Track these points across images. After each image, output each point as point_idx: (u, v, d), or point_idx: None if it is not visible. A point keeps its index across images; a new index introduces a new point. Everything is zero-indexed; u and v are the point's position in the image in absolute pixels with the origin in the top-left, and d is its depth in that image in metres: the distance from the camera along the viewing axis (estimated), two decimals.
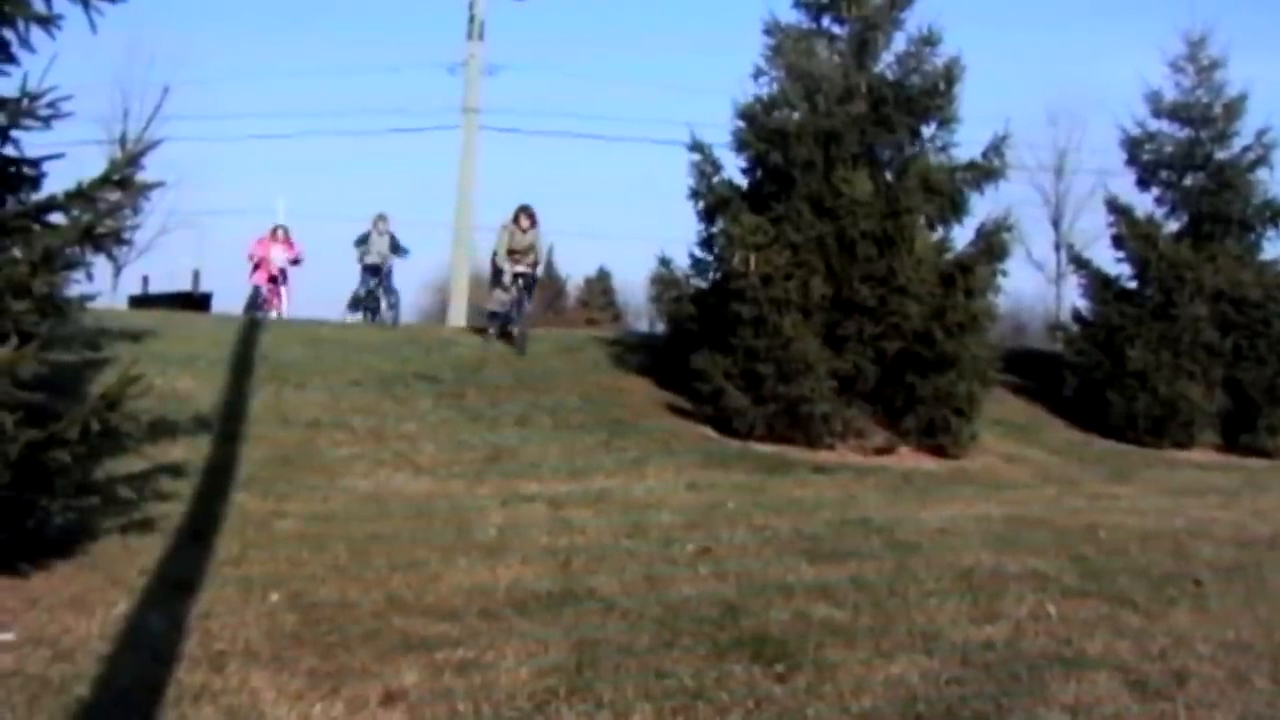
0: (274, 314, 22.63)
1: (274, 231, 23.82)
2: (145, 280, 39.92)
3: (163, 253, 59.59)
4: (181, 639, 5.33)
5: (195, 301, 31.59)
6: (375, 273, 22.48)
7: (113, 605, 5.83)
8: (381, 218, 22.50)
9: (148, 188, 7.42)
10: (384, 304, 22.67)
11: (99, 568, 6.77)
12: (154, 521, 7.92)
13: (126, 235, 7.70)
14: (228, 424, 11.94)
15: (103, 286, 27.26)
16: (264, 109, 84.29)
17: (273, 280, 22.94)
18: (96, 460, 7.92)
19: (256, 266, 23.01)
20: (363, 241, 22.48)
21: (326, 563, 7.29)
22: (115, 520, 7.83)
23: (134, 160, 7.13)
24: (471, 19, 29.34)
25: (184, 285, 37.06)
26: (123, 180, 7.10)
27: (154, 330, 14.69)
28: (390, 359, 16.67)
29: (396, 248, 22.55)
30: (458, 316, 27.67)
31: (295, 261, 23.66)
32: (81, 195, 7.01)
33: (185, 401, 12.13)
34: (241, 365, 15.13)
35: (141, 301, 31.94)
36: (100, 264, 7.42)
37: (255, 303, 22.67)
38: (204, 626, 5.57)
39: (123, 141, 7.22)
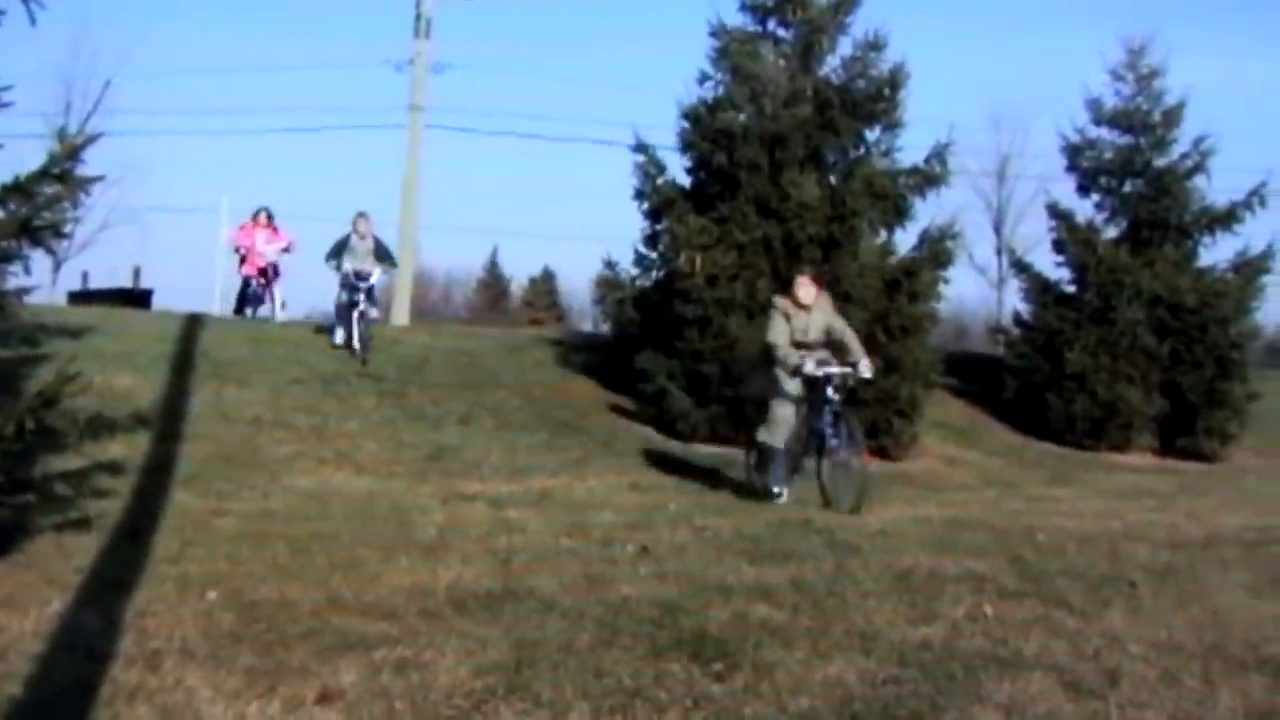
0: (265, 312, 21.28)
1: (255, 216, 21.50)
2: (85, 276, 39.49)
3: (104, 249, 58.92)
4: (117, 637, 5.28)
5: (136, 298, 31.26)
6: (359, 281, 17.25)
7: (47, 604, 5.77)
8: (362, 216, 17.70)
9: (88, 182, 7.34)
10: (356, 326, 17.21)
11: (33, 566, 6.70)
12: (91, 519, 7.83)
13: (66, 229, 7.62)
14: (168, 422, 11.85)
15: (42, 282, 26.78)
16: (208, 105, 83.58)
17: (261, 274, 21.22)
18: (32, 457, 7.83)
19: (243, 259, 21.37)
20: (337, 254, 17.35)
21: (266, 561, 7.24)
22: (51, 518, 7.74)
23: (74, 154, 7.05)
24: (418, 17, 29.21)
25: (125, 282, 36.67)
26: (62, 174, 7.02)
27: (93, 327, 14.54)
28: (332, 358, 16.63)
29: (383, 255, 17.93)
30: (401, 315, 27.55)
31: (285, 250, 21.38)
32: (19, 189, 6.92)
33: (124, 399, 12.02)
34: (182, 363, 15.02)
35: (81, 298, 31.58)
36: (39, 260, 7.34)
37: (246, 297, 21.33)
38: (140, 625, 5.52)
39: (62, 135, 7.14)
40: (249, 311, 21.65)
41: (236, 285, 22.13)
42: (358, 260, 17.25)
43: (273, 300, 21.50)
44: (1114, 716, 4.58)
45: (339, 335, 17.23)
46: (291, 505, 9.67)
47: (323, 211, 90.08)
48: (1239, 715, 4.68)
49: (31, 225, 6.96)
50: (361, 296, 16.92)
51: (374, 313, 17.82)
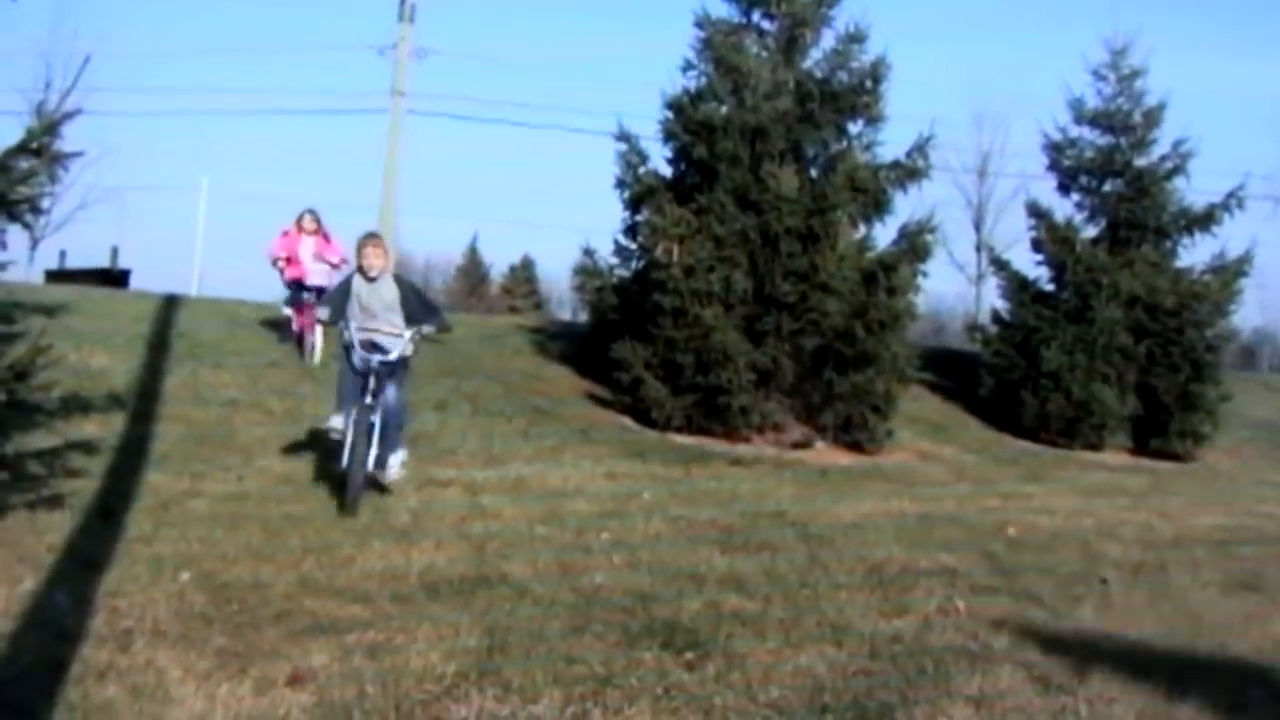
0: (308, 345, 15.42)
1: (300, 221, 15.80)
2: (63, 255, 39.35)
3: (82, 228, 58.65)
4: (88, 617, 5.27)
5: (113, 278, 31.16)
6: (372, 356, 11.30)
7: (18, 582, 5.75)
8: (372, 242, 10.09)
9: (65, 157, 7.28)
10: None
11: (5, 544, 6.67)
12: (64, 498, 7.80)
13: (42, 205, 7.56)
14: (143, 401, 11.79)
15: (18, 260, 26.62)
16: (189, 86, 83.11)
17: (304, 290, 15.38)
18: (6, 435, 7.80)
19: (285, 263, 15.79)
20: (339, 310, 11.16)
21: (239, 543, 7.23)
22: (24, 496, 7.71)
23: (51, 129, 7.01)
24: (403, 2, 29.11)
25: (102, 261, 36.54)
26: (39, 149, 6.98)
27: (70, 305, 14.46)
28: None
29: (419, 309, 10.72)
30: None
31: (334, 267, 15.41)
32: None
33: (100, 378, 11.97)
34: (158, 343, 14.95)
35: (58, 276, 31.44)
36: (16, 237, 7.29)
37: (293, 303, 15.69)
38: (112, 604, 5.51)
39: (40, 110, 7.09)
40: (303, 348, 15.76)
41: (281, 292, 16.47)
42: (368, 318, 9.52)
43: (312, 333, 15.36)
44: (1083, 711, 4.61)
45: (335, 420, 9.31)
46: (265, 487, 9.64)
47: (303, 196, 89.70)
48: (1207, 713, 4.71)
49: (7, 198, 6.91)
50: (374, 380, 9.31)
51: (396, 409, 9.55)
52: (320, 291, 14.89)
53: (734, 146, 16.19)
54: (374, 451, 9.07)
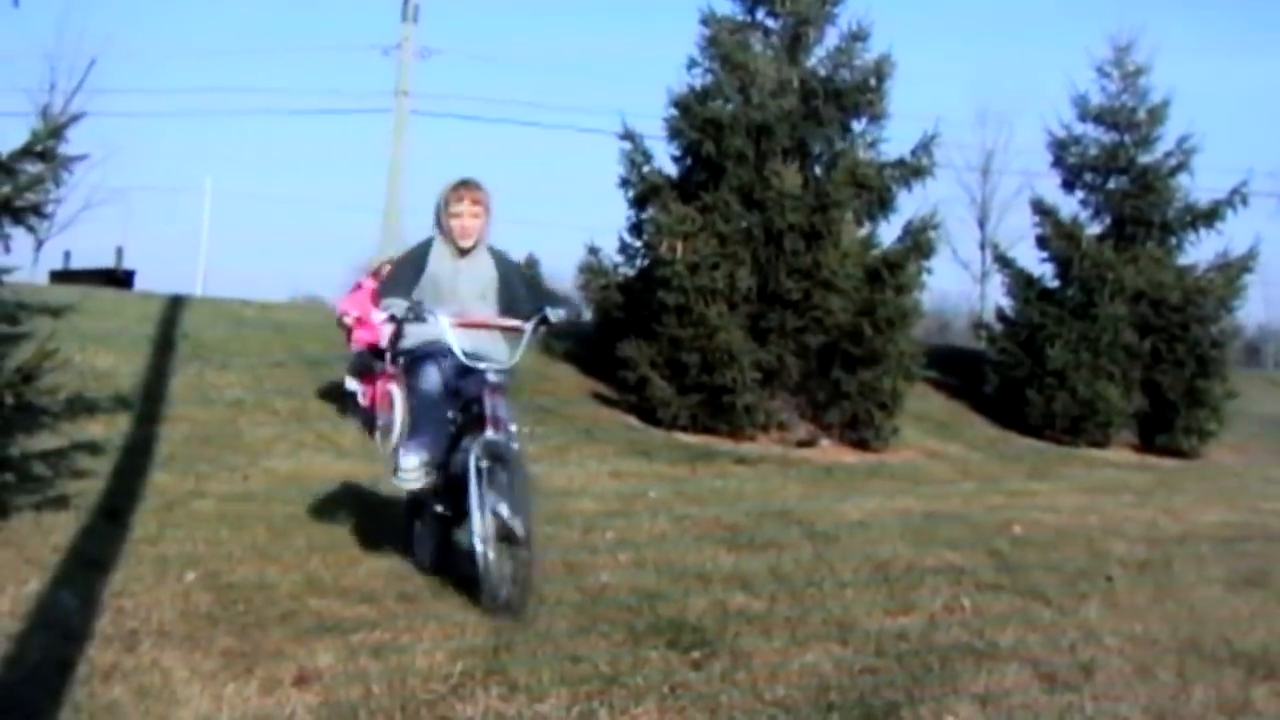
0: (381, 422, 12.22)
1: (377, 273, 13.08)
2: (67, 256, 39.44)
3: (86, 228, 58.74)
4: (94, 617, 5.27)
5: (118, 279, 31.19)
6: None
7: (24, 583, 5.75)
8: (467, 189, 6.87)
9: (71, 160, 7.30)
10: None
11: (11, 545, 6.67)
12: (69, 499, 7.81)
13: (48, 209, 7.57)
14: (148, 402, 11.82)
15: (23, 261, 26.60)
16: (193, 86, 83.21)
17: (378, 356, 12.35)
18: (11, 436, 7.80)
19: (351, 330, 13.38)
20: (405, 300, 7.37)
21: (245, 543, 7.23)
22: (29, 497, 7.72)
23: (57, 132, 7.02)
24: (406, 2, 29.15)
25: (107, 262, 36.58)
26: (45, 152, 6.99)
27: (75, 306, 14.45)
28: (314, 340, 16.56)
29: (532, 296, 7.23)
30: None
31: None
32: (1, 166, 6.89)
33: (105, 378, 12.00)
34: (163, 343, 14.98)
35: (63, 277, 31.49)
36: (21, 238, 7.30)
37: (363, 373, 12.96)
38: (117, 605, 5.51)
39: (45, 113, 7.10)
40: (372, 428, 12.86)
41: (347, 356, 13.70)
42: (454, 302, 6.57)
43: (389, 404, 12.11)
44: (1089, 709, 4.60)
45: (410, 463, 6.21)
46: (271, 487, 9.65)
47: (307, 196, 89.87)
48: (1212, 709, 4.70)
49: (13, 204, 6.92)
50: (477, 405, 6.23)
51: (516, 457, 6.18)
52: (387, 357, 11.61)
53: (740, 144, 16.21)
54: (497, 513, 5.83)
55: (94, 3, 59.29)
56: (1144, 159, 21.16)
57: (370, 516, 8.45)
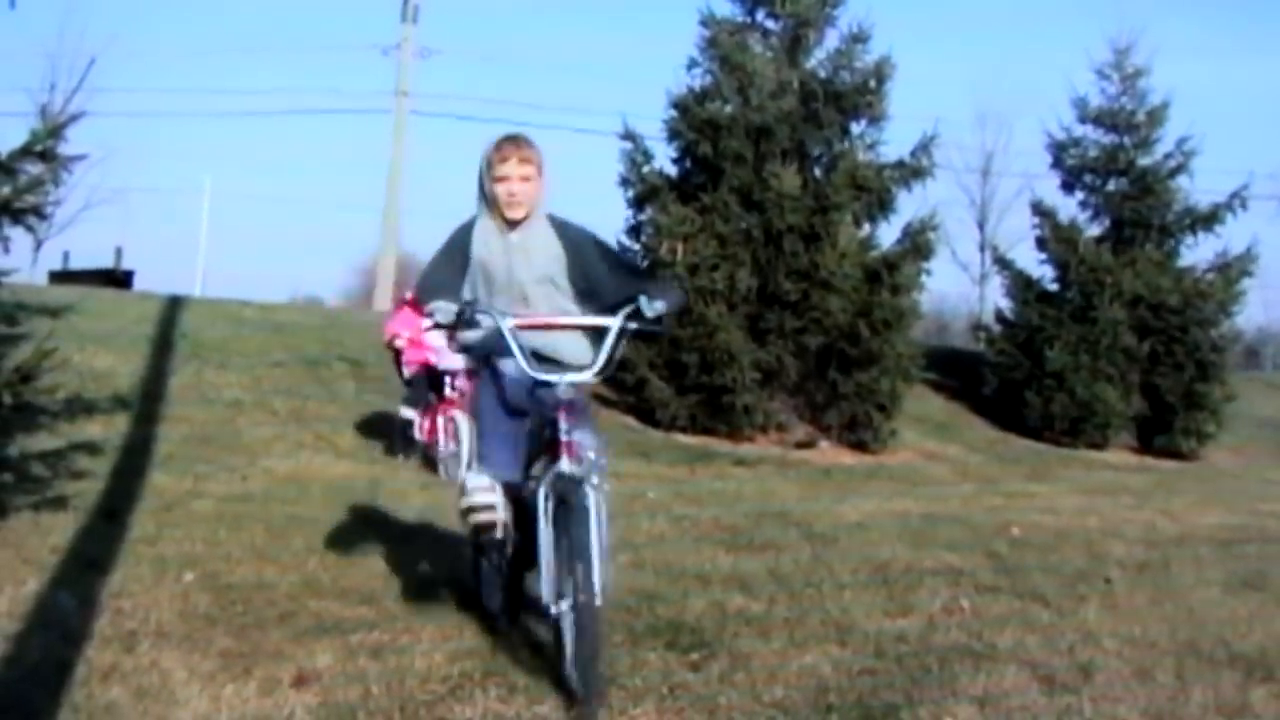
0: (442, 451, 11.20)
1: None
2: (66, 256, 39.47)
3: (85, 229, 58.79)
4: (92, 618, 5.27)
5: (117, 279, 31.20)
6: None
7: (22, 583, 5.75)
8: (513, 146, 5.38)
9: (70, 160, 7.29)
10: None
11: (9, 545, 6.68)
12: (68, 499, 7.82)
13: (47, 209, 7.57)
14: (147, 402, 11.81)
15: (22, 261, 26.56)
16: (193, 86, 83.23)
17: (435, 380, 11.48)
18: (10, 436, 7.81)
19: (400, 353, 11.72)
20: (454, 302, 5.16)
21: (243, 543, 7.23)
22: (28, 498, 7.72)
23: (56, 131, 7.01)
24: (406, 2, 29.18)
25: (106, 262, 36.59)
26: (44, 152, 6.99)
27: (74, 306, 14.45)
28: (314, 341, 16.57)
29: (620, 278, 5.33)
30: (383, 300, 27.51)
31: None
32: (0, 167, 6.89)
33: (104, 379, 12.00)
34: (162, 344, 14.97)
35: (62, 277, 31.48)
36: (20, 238, 7.30)
37: (419, 401, 11.67)
38: (116, 605, 5.51)
39: (44, 112, 7.10)
40: (406, 454, 11.96)
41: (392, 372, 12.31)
42: (511, 292, 5.12)
43: (451, 433, 11.12)
44: (1087, 711, 4.60)
45: (478, 485, 4.91)
46: (270, 488, 9.66)
47: (307, 197, 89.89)
48: (1211, 711, 4.70)
49: (12, 205, 6.92)
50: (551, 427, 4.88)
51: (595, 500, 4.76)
52: (447, 380, 11.26)
53: (739, 145, 16.22)
54: (566, 567, 4.69)
55: (94, 3, 59.31)
56: (1143, 161, 21.17)
57: (369, 517, 8.45)
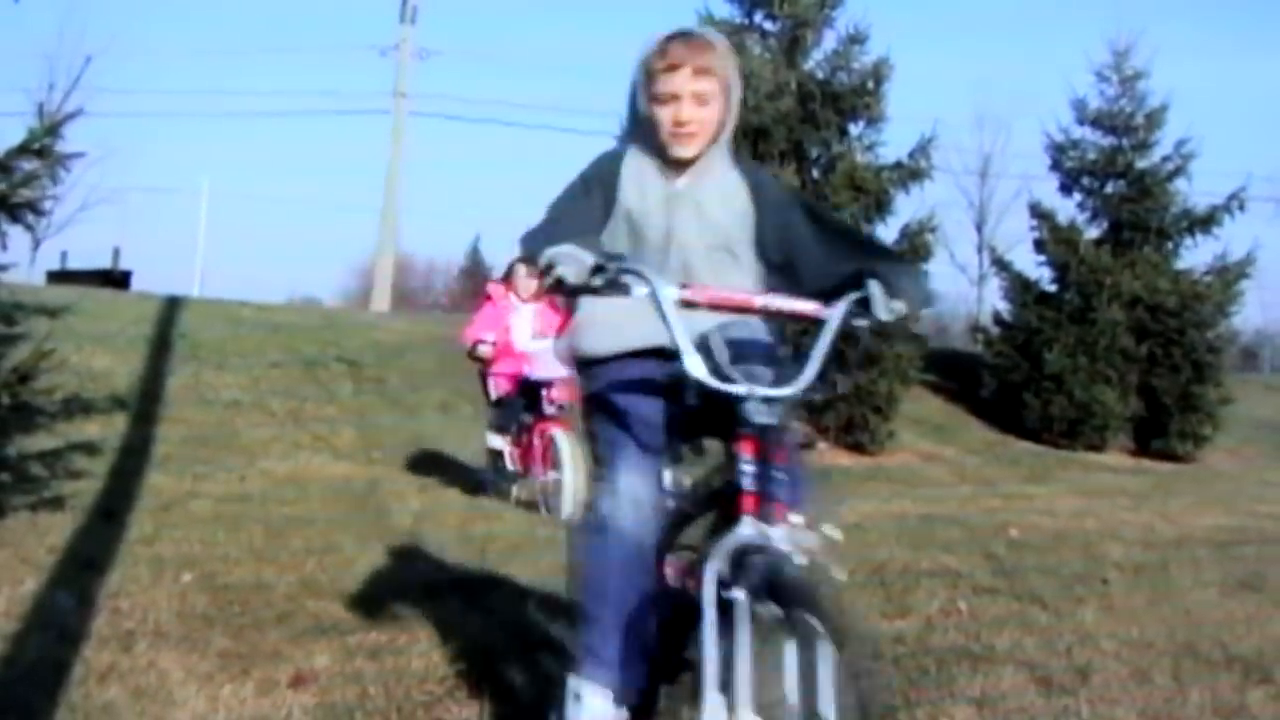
0: (539, 482, 9.49)
1: (508, 276, 10.18)
2: (64, 256, 39.48)
3: (83, 229, 58.71)
4: (90, 618, 5.26)
5: (115, 279, 31.20)
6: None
7: (19, 583, 5.74)
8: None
9: (67, 158, 7.29)
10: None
11: (6, 545, 6.67)
12: (65, 500, 7.81)
13: (44, 206, 7.56)
14: (145, 403, 11.81)
15: (20, 261, 26.45)
16: (191, 87, 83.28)
17: (529, 392, 9.73)
18: (7, 436, 7.80)
19: (490, 362, 9.96)
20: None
21: (241, 544, 7.23)
22: (25, 498, 7.72)
23: (53, 129, 7.01)
24: (404, 2, 29.19)
25: (104, 262, 36.60)
26: (41, 149, 6.98)
27: (72, 307, 14.44)
28: (312, 342, 16.57)
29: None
30: (381, 301, 27.51)
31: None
32: None
33: (101, 379, 12.00)
34: (160, 344, 14.97)
35: (60, 277, 31.48)
36: (18, 238, 7.30)
37: (509, 425, 9.92)
38: (113, 606, 5.50)
39: (42, 110, 7.10)
40: (498, 492, 10.01)
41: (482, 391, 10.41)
42: (671, 260, 3.39)
43: (553, 456, 9.32)
44: (1085, 712, 4.60)
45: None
46: (268, 488, 9.65)
47: (305, 197, 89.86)
48: (1208, 713, 4.70)
49: (9, 201, 6.92)
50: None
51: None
52: (544, 393, 9.56)
53: (736, 146, 16.21)
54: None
55: (94, 3, 59.40)
56: (1142, 163, 21.19)
57: (368, 518, 8.45)
